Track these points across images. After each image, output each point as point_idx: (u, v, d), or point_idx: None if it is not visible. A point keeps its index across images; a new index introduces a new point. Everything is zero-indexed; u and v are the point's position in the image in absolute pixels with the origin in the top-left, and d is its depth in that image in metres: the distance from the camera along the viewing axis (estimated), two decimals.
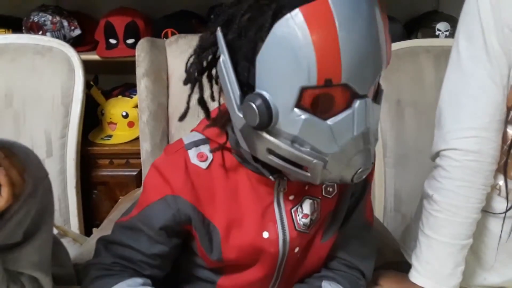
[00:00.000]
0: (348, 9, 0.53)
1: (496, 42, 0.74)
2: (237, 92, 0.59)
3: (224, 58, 0.59)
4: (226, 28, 0.60)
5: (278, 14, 0.54)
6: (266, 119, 0.57)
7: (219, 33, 0.60)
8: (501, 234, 0.80)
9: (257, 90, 0.58)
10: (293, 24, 0.53)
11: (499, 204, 0.80)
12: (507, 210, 0.78)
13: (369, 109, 0.58)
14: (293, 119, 0.57)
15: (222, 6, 0.62)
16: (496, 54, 0.74)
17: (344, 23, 0.53)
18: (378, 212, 1.35)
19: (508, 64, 0.74)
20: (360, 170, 0.60)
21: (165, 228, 0.70)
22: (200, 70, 0.65)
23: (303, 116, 0.57)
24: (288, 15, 0.53)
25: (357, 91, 0.56)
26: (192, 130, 0.75)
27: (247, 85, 0.59)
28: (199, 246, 0.73)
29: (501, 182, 0.79)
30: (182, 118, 0.68)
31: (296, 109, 0.57)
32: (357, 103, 0.57)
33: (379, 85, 0.63)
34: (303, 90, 0.55)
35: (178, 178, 0.69)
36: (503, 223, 0.80)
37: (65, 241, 1.12)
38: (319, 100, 0.57)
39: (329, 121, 0.57)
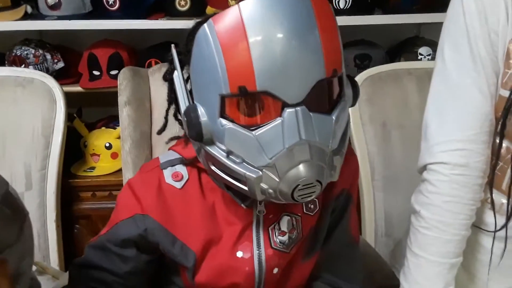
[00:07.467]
0: (262, 16, 0.52)
1: (483, 49, 0.71)
2: (185, 105, 0.59)
3: (177, 73, 0.60)
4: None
5: (201, 25, 0.55)
6: (195, 132, 0.57)
7: (173, 50, 0.61)
8: (491, 252, 0.77)
9: (195, 102, 0.58)
10: (207, 33, 0.53)
11: (491, 219, 0.77)
12: (496, 230, 0.75)
13: (305, 119, 0.53)
14: (219, 130, 0.56)
15: None
16: (483, 62, 0.71)
17: (256, 29, 0.52)
18: (369, 237, 1.31)
19: (495, 72, 0.72)
20: (299, 187, 0.55)
21: (131, 243, 0.68)
22: (170, 87, 0.66)
23: (227, 126, 0.55)
24: (204, 25, 0.54)
25: (284, 100, 0.53)
26: (169, 149, 0.73)
27: (193, 99, 0.60)
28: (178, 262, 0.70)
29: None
30: (160, 132, 0.71)
31: (221, 119, 0.55)
32: (286, 113, 0.53)
33: (340, 95, 0.59)
34: (223, 98, 0.55)
35: (150, 197, 0.66)
36: (493, 242, 0.76)
37: (44, 279, 1.07)
38: (242, 109, 0.55)
39: (255, 132, 0.54)
